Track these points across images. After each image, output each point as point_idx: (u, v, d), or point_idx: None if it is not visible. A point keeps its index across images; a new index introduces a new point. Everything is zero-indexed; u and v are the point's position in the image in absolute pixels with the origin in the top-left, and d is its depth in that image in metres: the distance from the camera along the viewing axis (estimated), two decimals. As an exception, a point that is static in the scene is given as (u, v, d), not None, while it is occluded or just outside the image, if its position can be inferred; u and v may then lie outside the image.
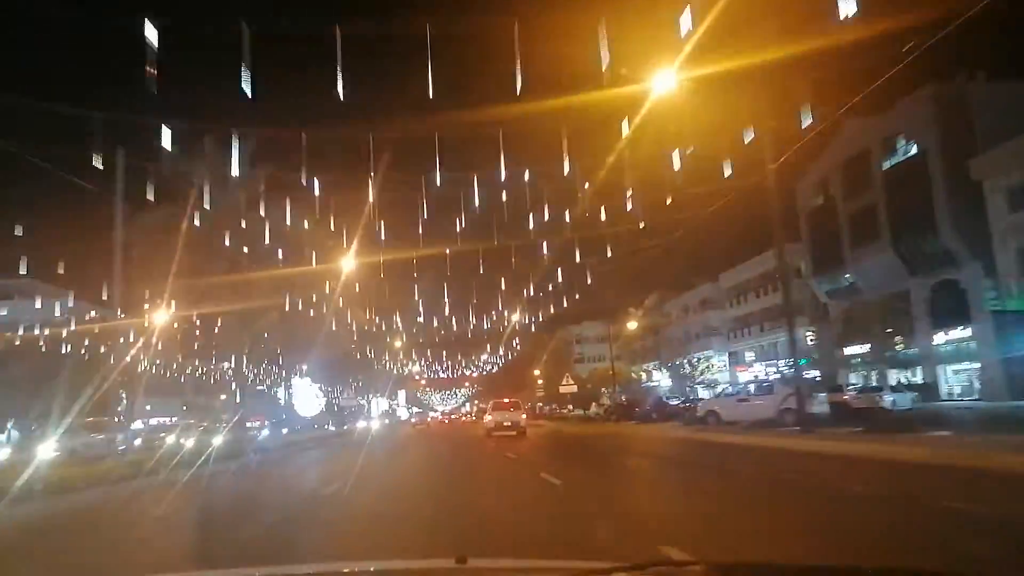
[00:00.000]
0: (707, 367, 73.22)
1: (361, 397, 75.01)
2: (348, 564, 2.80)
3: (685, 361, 75.22)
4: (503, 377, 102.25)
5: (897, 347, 45.55)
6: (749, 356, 68.20)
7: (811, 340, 56.43)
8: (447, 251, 35.86)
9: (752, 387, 27.10)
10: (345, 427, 57.31)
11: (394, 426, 77.54)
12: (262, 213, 31.00)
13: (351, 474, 14.48)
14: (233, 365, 42.79)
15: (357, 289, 43.15)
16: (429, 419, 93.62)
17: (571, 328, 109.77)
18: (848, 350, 51.16)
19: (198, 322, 39.57)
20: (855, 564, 1.99)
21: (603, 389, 58.81)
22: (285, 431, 42.38)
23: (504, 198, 26.54)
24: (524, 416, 34.61)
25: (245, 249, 32.50)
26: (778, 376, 36.17)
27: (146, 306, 30.44)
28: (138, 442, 26.31)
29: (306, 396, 46.61)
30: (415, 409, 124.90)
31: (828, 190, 51.48)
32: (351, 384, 69.51)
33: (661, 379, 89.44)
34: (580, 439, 27.72)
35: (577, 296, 66.09)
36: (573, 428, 40.28)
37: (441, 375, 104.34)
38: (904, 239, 43.08)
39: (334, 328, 44.04)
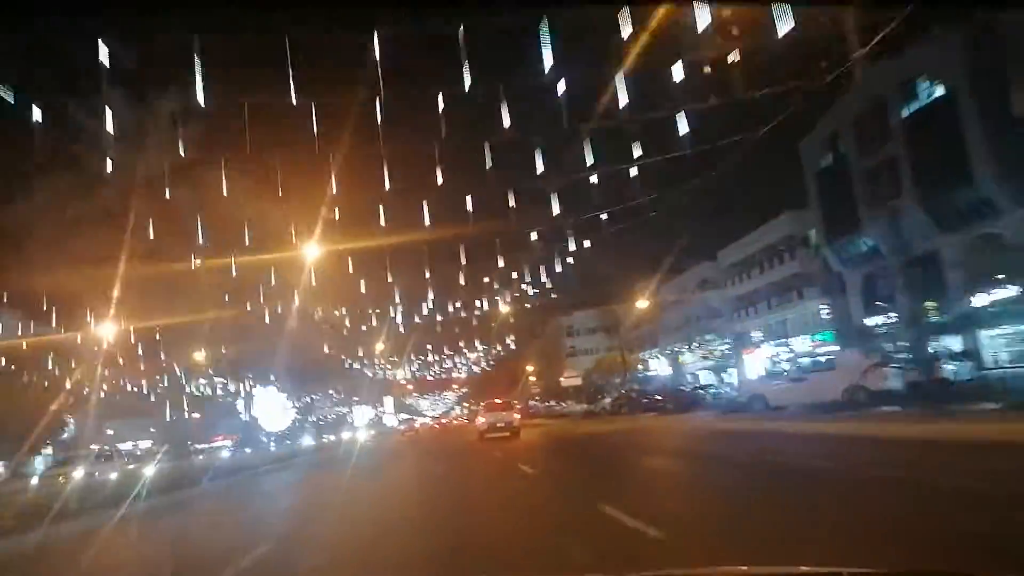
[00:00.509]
0: (718, 351, 69.17)
1: (343, 406, 69.81)
2: None
3: (687, 347, 71.04)
4: (495, 376, 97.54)
5: (930, 314, 41.35)
6: (756, 336, 63.85)
7: (826, 314, 52.23)
8: (427, 241, 31.47)
9: (803, 364, 22.43)
10: (325, 440, 52.30)
11: (381, 435, 72.46)
12: (210, 191, 26.02)
13: (317, 512, 9.73)
14: (178, 376, 37.61)
15: (330, 286, 38.36)
16: (418, 425, 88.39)
17: (561, 319, 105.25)
18: (870, 321, 47.00)
19: (133, 328, 34.45)
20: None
21: (602, 381, 53.97)
22: (248, 450, 37.25)
23: (487, 183, 22.68)
24: (518, 416, 33.33)
25: (178, 233, 27.47)
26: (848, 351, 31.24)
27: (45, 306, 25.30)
28: (35, 481, 21.17)
29: (272, 408, 40.52)
30: (403, 416, 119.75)
31: (838, 148, 47.25)
32: (332, 393, 64.34)
33: (659, 368, 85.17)
34: (604, 441, 22.89)
35: (564, 286, 62.10)
36: (583, 426, 35.49)
37: (429, 378, 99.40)
38: (932, 192, 38.85)
39: (306, 330, 39.06)
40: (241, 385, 38.62)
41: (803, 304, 55.47)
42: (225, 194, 21.47)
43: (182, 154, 19.25)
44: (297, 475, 23.80)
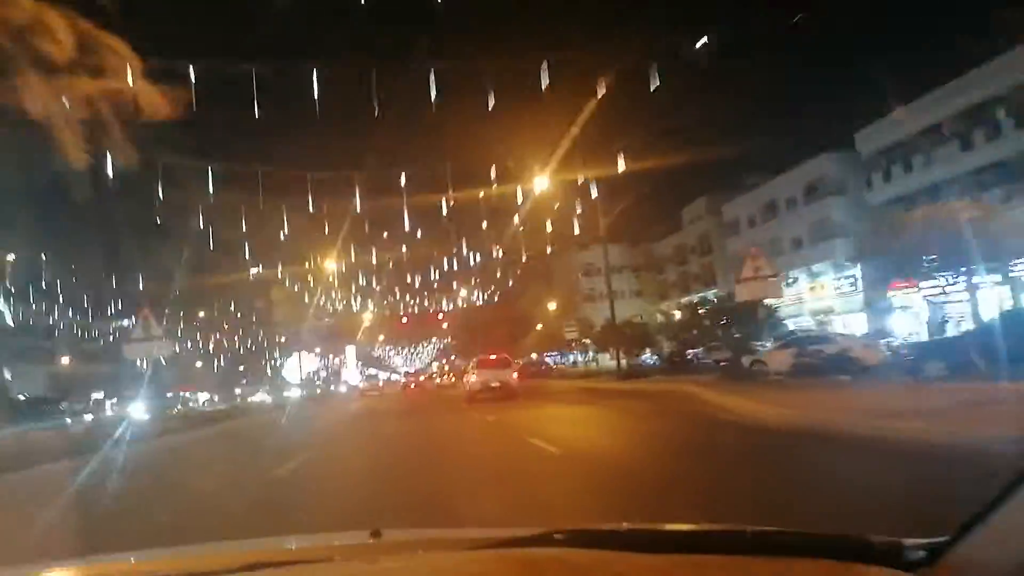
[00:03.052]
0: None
1: (274, 350, 45.15)
2: (260, 540, 2.53)
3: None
4: (488, 325, 73.85)
5: None
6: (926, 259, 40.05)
7: None
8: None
9: None
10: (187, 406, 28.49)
11: (328, 400, 48.45)
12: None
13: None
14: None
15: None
16: (381, 383, 64.59)
17: (577, 256, 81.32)
18: None
19: None
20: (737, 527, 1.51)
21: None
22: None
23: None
24: (515, 374, 29.74)
25: None
26: None
27: None
28: None
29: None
30: (371, 371, 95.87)
31: None
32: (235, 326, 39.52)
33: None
34: None
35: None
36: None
37: (404, 322, 75.32)
38: None
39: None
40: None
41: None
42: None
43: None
44: None
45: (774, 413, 12.25)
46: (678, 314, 71.72)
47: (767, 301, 21.94)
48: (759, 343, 23.37)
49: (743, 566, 1.40)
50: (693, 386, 20.03)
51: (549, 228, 53.20)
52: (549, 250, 72.05)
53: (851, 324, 45.27)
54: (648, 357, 50.72)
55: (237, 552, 2.13)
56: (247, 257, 35.72)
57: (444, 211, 35.31)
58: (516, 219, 52.00)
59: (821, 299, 50.79)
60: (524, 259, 62.26)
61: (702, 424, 12.64)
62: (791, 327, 35.63)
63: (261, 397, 41.39)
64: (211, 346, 40.07)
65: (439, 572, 1.66)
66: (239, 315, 39.64)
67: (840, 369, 19.03)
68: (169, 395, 37.23)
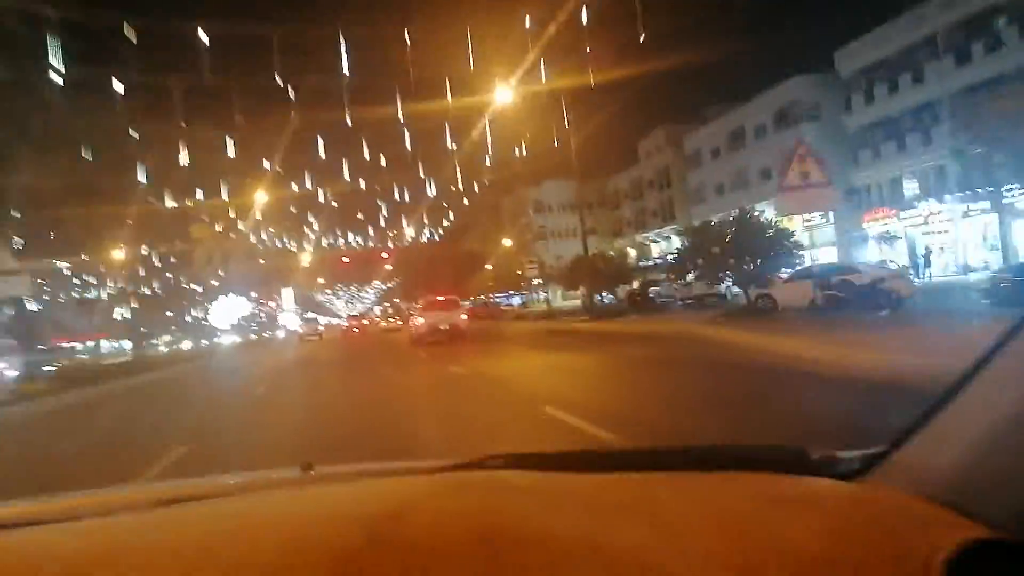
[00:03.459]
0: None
1: (186, 301, 39.77)
2: (183, 480, 2.35)
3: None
4: (438, 264, 69.76)
5: None
6: (909, 187, 37.63)
7: None
8: None
9: None
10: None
11: (264, 349, 43.86)
12: None
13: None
14: None
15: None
16: (322, 328, 60.31)
17: (528, 191, 77.20)
18: None
19: None
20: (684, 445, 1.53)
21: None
22: None
23: None
24: (464, 316, 28.88)
25: None
26: None
27: None
28: None
29: None
30: (310, 314, 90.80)
31: None
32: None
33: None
34: None
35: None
36: None
37: (345, 260, 70.46)
38: None
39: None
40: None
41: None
42: None
43: None
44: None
45: (863, 359, 8.84)
46: (632, 252, 69.07)
47: (783, 224, 18.71)
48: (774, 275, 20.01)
49: (683, 480, 1.40)
50: (695, 326, 16.66)
51: (500, 161, 49.26)
52: (500, 184, 68.20)
53: (821, 257, 43.03)
54: (604, 296, 47.76)
55: (157, 489, 2.00)
56: (158, 182, 30.45)
57: (389, 139, 30.94)
58: (465, 149, 47.80)
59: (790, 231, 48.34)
60: (475, 191, 58.02)
61: (777, 378, 9.11)
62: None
63: (185, 346, 36.65)
64: (114, 290, 34.79)
65: (368, 499, 1.53)
66: (152, 255, 34.25)
67: (874, 304, 15.91)
68: (67, 346, 32.10)
